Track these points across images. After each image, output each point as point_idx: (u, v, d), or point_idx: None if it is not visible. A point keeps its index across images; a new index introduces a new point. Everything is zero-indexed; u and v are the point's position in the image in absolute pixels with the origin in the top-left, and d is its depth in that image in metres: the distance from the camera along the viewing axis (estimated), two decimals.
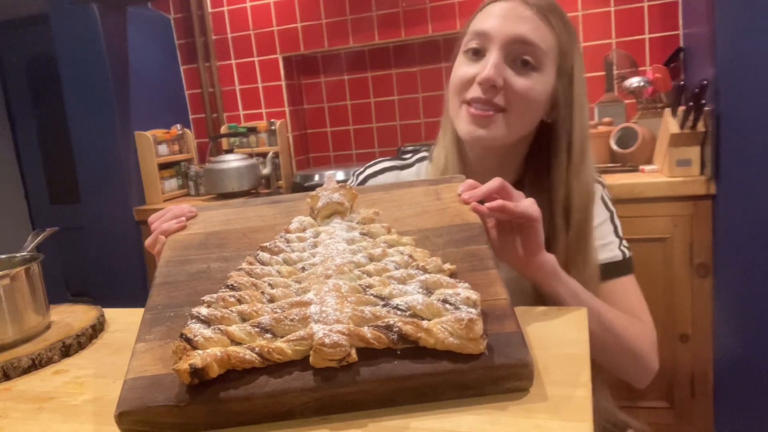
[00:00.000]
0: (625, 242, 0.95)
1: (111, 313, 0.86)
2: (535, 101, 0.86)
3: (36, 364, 0.69)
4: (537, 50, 0.84)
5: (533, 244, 0.75)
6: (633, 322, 0.87)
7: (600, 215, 0.94)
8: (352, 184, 1.05)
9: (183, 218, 0.77)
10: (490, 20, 0.86)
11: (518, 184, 0.95)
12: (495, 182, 0.72)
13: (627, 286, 0.92)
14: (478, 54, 0.87)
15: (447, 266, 0.59)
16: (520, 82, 0.84)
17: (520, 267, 0.78)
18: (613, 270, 0.91)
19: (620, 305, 0.88)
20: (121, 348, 0.73)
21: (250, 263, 0.64)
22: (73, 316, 0.82)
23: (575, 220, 0.87)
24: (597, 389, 0.82)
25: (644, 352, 0.87)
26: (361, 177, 1.06)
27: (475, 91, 0.86)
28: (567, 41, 0.87)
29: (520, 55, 0.84)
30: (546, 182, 0.89)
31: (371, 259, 0.61)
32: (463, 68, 0.89)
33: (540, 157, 0.92)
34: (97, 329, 0.78)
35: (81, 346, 0.74)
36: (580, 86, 0.89)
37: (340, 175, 2.32)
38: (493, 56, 0.84)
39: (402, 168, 1.05)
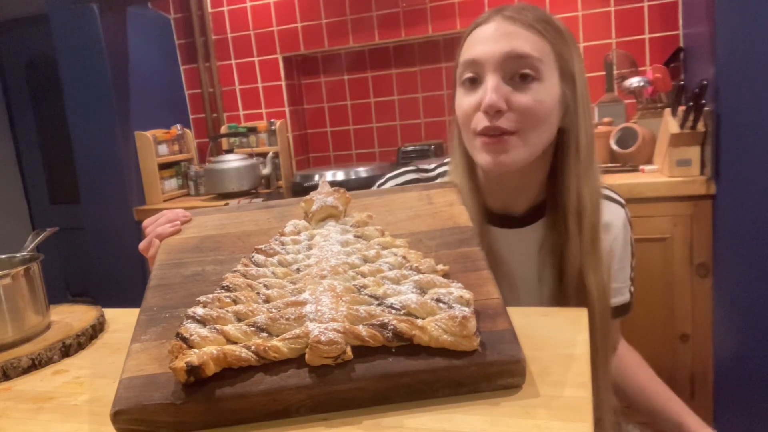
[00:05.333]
0: (631, 279, 1.00)
1: (111, 313, 0.86)
2: (545, 113, 0.82)
3: (36, 364, 0.69)
4: (532, 60, 0.81)
5: None
6: (643, 365, 1.05)
7: (624, 257, 0.98)
8: None
9: (177, 222, 0.78)
10: (477, 47, 0.83)
11: (540, 207, 0.92)
12: None
13: (618, 323, 1.02)
14: (474, 82, 0.84)
15: (440, 267, 0.60)
16: (524, 98, 0.81)
17: None
18: (617, 313, 0.97)
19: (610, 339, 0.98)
20: (121, 348, 0.73)
21: (246, 265, 0.64)
22: (73, 316, 0.82)
23: (588, 223, 0.86)
24: (604, 388, 0.87)
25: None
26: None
27: (482, 121, 0.82)
28: (562, 44, 0.84)
29: (517, 70, 0.81)
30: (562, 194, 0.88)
31: (365, 260, 0.62)
32: (464, 100, 0.85)
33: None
34: (97, 329, 0.78)
35: (81, 346, 0.74)
36: (582, 87, 0.86)
37: (340, 175, 2.32)
38: (490, 81, 0.81)
39: (426, 181, 1.00)
